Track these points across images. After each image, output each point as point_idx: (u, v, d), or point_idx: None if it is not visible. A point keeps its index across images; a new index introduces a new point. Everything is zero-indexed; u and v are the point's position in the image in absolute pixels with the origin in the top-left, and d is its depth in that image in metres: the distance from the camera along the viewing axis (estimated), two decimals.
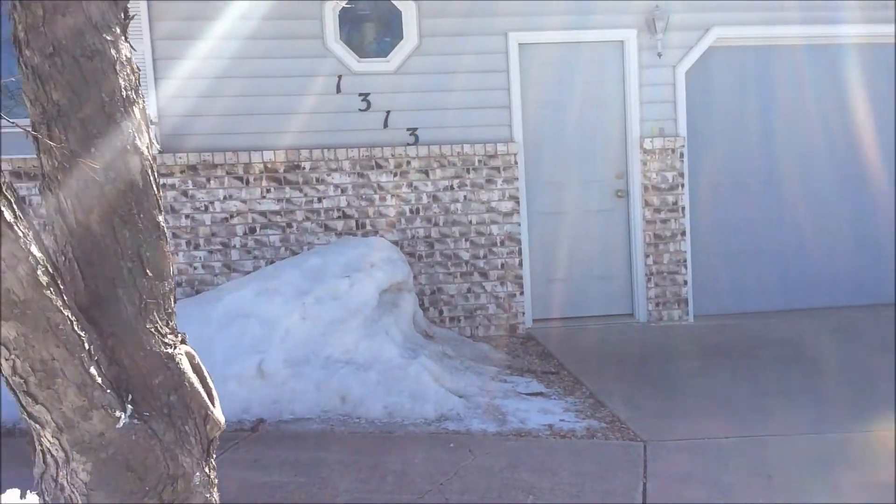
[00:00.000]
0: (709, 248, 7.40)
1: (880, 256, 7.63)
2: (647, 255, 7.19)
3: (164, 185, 6.45)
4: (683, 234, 7.23)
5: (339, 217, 6.75)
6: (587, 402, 5.39)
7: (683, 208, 7.22)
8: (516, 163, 7.00)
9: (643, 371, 6.01)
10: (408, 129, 6.89)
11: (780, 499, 4.01)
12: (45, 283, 2.07)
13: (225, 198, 6.63)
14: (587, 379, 5.78)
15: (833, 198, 7.60)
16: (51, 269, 2.12)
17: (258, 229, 6.69)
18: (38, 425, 2.17)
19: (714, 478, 4.27)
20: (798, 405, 5.24)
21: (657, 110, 7.20)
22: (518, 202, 7.02)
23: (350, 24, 6.84)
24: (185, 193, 6.56)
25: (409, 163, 6.84)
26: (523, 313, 7.04)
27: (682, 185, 7.22)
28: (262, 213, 6.68)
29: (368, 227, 6.78)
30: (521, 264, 7.03)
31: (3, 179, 2.05)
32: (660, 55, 7.11)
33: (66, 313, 2.12)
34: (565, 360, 6.20)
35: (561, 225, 7.22)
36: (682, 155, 7.20)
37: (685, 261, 7.24)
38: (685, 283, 7.24)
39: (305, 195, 6.71)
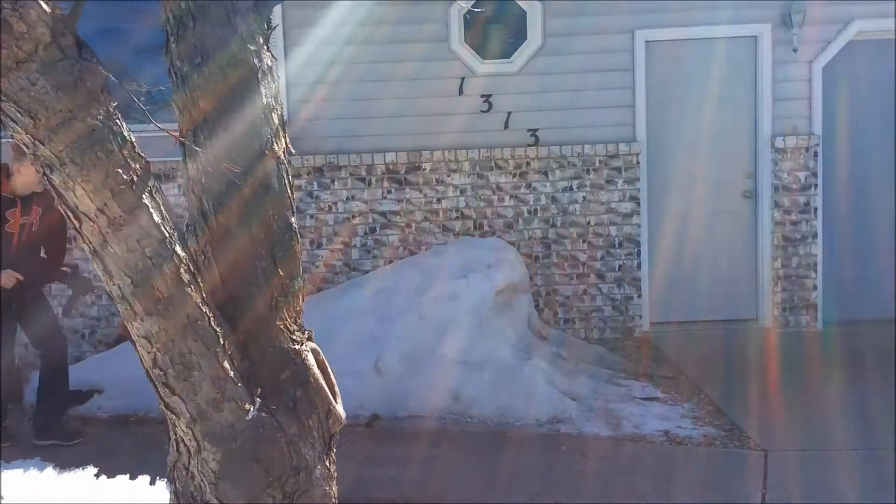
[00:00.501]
0: (842, 251, 7.05)
1: None
2: (774, 259, 6.93)
3: None
4: (815, 236, 6.92)
5: (457, 217, 6.86)
6: (706, 408, 5.28)
7: (816, 210, 6.92)
8: (638, 163, 6.91)
9: (766, 378, 5.83)
10: (528, 130, 6.91)
11: None
12: (186, 281, 2.22)
13: (348, 198, 6.85)
14: (706, 385, 5.65)
15: None
16: (192, 268, 2.27)
17: (378, 229, 6.88)
18: (173, 415, 2.33)
19: (839, 490, 4.12)
20: None
21: (790, 107, 6.92)
22: (638, 203, 6.92)
23: (474, 25, 6.90)
24: (310, 194, 6.83)
25: (528, 164, 6.87)
26: (640, 316, 6.93)
27: (816, 186, 6.91)
28: (383, 214, 6.87)
29: (486, 228, 6.85)
30: (639, 266, 6.93)
31: (152, 183, 2.21)
32: (795, 50, 6.82)
33: (204, 310, 2.26)
34: (683, 364, 6.08)
35: (683, 226, 7.06)
36: (815, 154, 6.90)
37: (816, 265, 6.93)
38: (815, 287, 6.93)
39: (425, 196, 6.86)
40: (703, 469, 4.45)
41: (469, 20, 6.83)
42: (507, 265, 5.87)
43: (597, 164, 6.89)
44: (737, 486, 4.26)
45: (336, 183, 6.86)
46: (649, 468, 4.43)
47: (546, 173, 6.88)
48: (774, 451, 4.61)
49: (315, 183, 6.85)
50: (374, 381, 5.17)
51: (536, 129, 6.90)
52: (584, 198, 6.90)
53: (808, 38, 6.81)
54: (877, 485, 4.16)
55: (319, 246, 6.89)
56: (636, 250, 6.93)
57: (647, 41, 6.89)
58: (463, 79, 6.86)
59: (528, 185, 6.88)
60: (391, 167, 6.84)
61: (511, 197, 6.88)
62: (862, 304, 7.05)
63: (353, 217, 6.88)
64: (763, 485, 4.24)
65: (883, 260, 7.09)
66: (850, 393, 5.47)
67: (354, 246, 6.89)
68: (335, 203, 6.88)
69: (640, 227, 6.94)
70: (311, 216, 6.85)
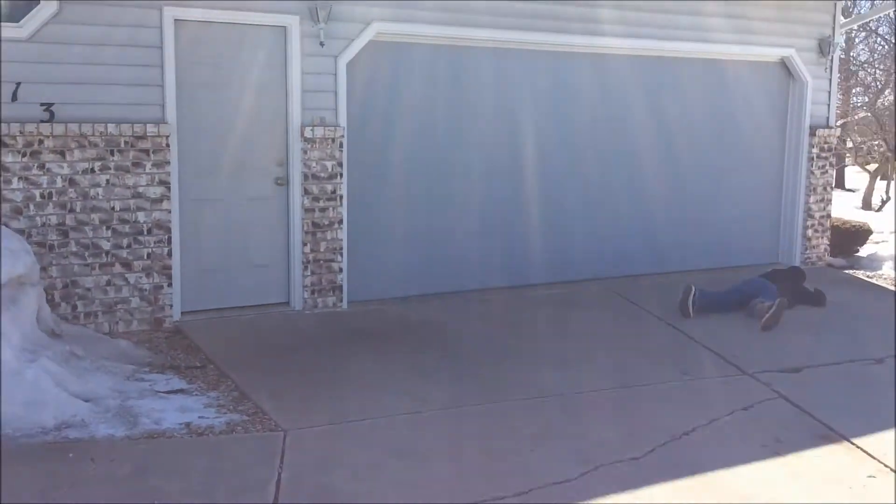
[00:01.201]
0: (366, 235, 7.63)
1: (525, 243, 8.42)
2: (304, 244, 7.22)
3: None
4: (340, 222, 7.36)
5: None
6: (231, 395, 5.27)
7: (341, 197, 7.35)
8: (168, 146, 6.63)
9: (292, 360, 6.02)
10: (42, 105, 6.20)
11: (411, 473, 4.24)
12: None
13: None
14: (234, 372, 5.65)
15: (488, 186, 8.23)
16: None
17: None
18: None
19: (349, 460, 4.40)
20: (433, 383, 5.59)
21: (319, 99, 7.23)
22: (169, 188, 6.65)
23: None
24: None
25: (41, 142, 6.16)
26: (171, 306, 6.70)
27: (341, 175, 7.34)
28: None
29: None
30: (170, 254, 6.68)
31: None
32: (322, 44, 7.14)
33: None
34: (213, 353, 6.01)
35: (217, 212, 7.00)
36: (341, 145, 7.32)
37: (341, 249, 7.38)
38: (340, 270, 7.39)
39: None
40: (222, 457, 4.41)
41: None
42: (11, 256, 5.17)
43: (122, 146, 6.46)
44: (255, 469, 4.30)
45: None
46: (166, 465, 4.25)
47: (63, 153, 6.25)
48: (294, 430, 4.77)
49: None
50: None
51: (52, 104, 6.23)
52: (108, 181, 6.42)
53: (334, 34, 7.19)
54: (384, 450, 4.53)
55: None
56: (167, 237, 6.66)
57: (176, 19, 6.63)
58: None
59: (42, 166, 6.18)
60: None
61: (20, 179, 6.11)
62: (381, 284, 7.72)
63: None
64: (280, 464, 4.34)
65: (403, 242, 7.84)
66: (363, 367, 5.90)
67: None
68: None
69: (170, 212, 6.68)
70: None
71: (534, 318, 7.38)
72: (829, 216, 10.03)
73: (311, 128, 7.17)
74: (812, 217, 9.79)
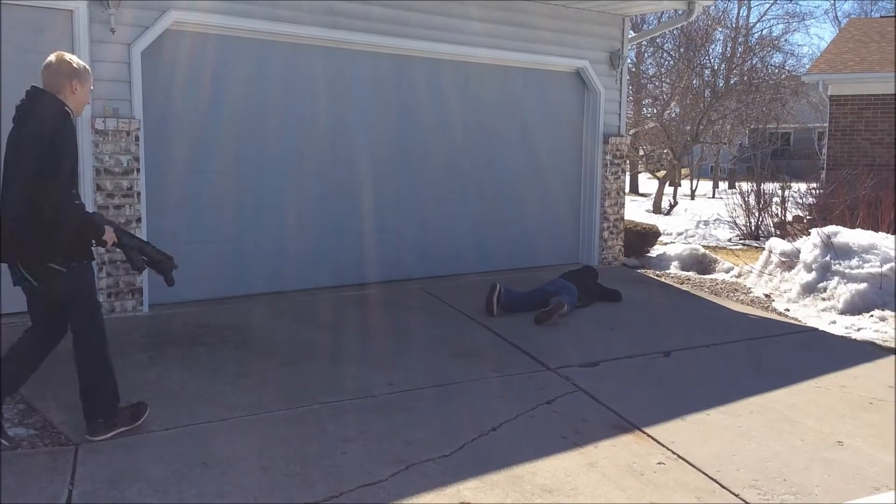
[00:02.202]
0: (169, 235, 7.24)
1: (343, 242, 8.33)
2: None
3: None
4: (139, 220, 6.95)
5: None
6: (17, 408, 4.83)
7: (139, 194, 6.94)
8: None
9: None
10: None
11: (217, 483, 4.05)
12: None
13: None
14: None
15: (308, 185, 8.07)
16: None
17: None
18: None
19: (149, 473, 4.14)
20: (241, 388, 5.39)
21: (111, 89, 6.80)
22: None
23: None
24: None
25: None
26: None
27: (138, 170, 6.92)
28: None
29: None
30: None
31: None
32: (113, 31, 6.73)
33: None
34: None
35: None
36: (137, 138, 6.90)
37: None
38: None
39: None
40: (6, 475, 4.01)
41: None
42: None
43: None
44: (43, 487, 3.95)
45: None
46: None
47: None
48: (87, 443, 4.43)
49: None
50: None
51: None
52: None
53: (126, 20, 6.81)
54: (186, 461, 4.30)
55: None
56: None
57: None
58: None
59: None
60: None
61: None
62: (188, 285, 7.33)
63: None
64: (71, 480, 4.01)
65: (211, 243, 7.51)
66: (167, 374, 5.60)
67: None
68: None
69: None
70: None
71: (348, 319, 7.32)
72: (622, 219, 10.74)
73: (102, 119, 6.71)
74: (607, 220, 10.45)
